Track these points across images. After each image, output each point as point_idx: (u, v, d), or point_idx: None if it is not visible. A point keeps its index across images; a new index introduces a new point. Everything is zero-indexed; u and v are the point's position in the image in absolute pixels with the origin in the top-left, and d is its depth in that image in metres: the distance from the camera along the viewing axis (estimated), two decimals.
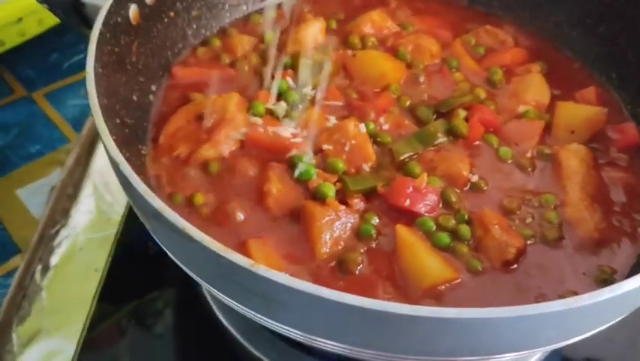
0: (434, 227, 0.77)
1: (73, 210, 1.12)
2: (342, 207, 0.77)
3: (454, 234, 0.77)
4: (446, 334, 0.55)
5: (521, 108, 0.93)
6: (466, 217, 0.78)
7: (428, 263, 0.73)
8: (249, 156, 0.84)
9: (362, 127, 0.85)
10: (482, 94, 0.94)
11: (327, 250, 0.74)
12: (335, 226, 0.76)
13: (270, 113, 0.88)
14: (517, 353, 0.61)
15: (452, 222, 0.78)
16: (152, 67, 0.92)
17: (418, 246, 0.74)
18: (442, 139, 0.88)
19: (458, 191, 0.82)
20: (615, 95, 0.98)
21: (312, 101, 0.91)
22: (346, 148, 0.83)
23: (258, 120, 0.86)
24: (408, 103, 0.93)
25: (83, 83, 0.72)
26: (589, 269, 0.76)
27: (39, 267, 1.04)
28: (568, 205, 0.82)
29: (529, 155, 0.88)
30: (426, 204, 0.79)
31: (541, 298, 0.72)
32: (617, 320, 0.64)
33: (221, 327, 0.89)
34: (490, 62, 1.01)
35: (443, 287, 0.72)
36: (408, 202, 0.78)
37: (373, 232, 0.76)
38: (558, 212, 0.81)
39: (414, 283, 0.72)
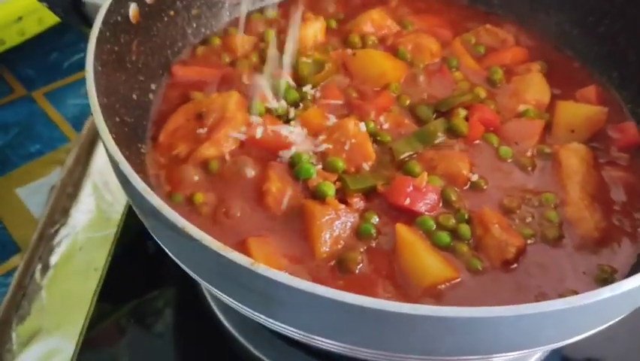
0: (434, 226, 0.77)
1: (73, 209, 1.12)
2: (342, 206, 0.77)
3: (454, 233, 0.77)
4: (446, 333, 0.55)
5: (521, 107, 0.93)
6: (466, 216, 0.78)
7: (428, 262, 0.73)
8: (249, 154, 0.84)
9: (362, 126, 0.85)
10: (482, 93, 0.94)
11: (327, 249, 0.74)
12: (335, 225, 0.76)
13: (270, 112, 0.88)
14: (518, 353, 0.61)
15: (452, 221, 0.78)
16: (151, 66, 0.92)
17: (417, 245, 0.74)
18: (442, 138, 0.87)
19: (458, 190, 0.82)
20: (616, 94, 0.98)
21: (313, 100, 0.91)
22: (346, 147, 0.83)
23: (258, 119, 0.86)
24: (408, 102, 0.92)
25: (83, 82, 0.72)
26: (589, 268, 0.76)
27: (39, 266, 1.04)
28: (568, 204, 0.81)
29: (529, 154, 0.88)
30: (426, 203, 0.79)
31: (541, 297, 0.72)
32: (617, 320, 0.64)
33: (220, 326, 0.89)
34: (490, 61, 1.01)
35: (443, 286, 0.72)
36: (408, 201, 0.78)
37: (373, 231, 0.76)
38: (558, 211, 0.81)
39: (414, 283, 0.72)
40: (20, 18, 1.99)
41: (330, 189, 0.78)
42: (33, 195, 1.84)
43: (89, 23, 0.80)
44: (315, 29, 1.01)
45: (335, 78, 0.95)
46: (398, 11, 1.10)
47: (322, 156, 0.83)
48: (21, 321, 0.97)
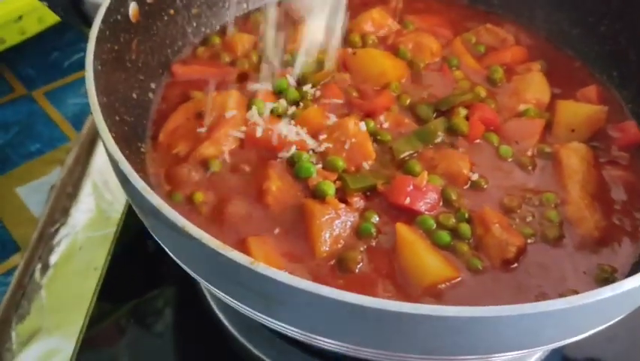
0: (434, 225, 0.77)
1: (73, 208, 1.12)
2: (342, 205, 0.77)
3: (455, 232, 0.77)
4: (446, 332, 0.55)
5: (522, 107, 0.93)
6: (467, 216, 0.78)
7: (428, 262, 0.73)
8: (249, 154, 0.83)
9: (362, 125, 0.85)
10: (482, 92, 0.94)
11: (327, 249, 0.74)
12: (335, 225, 0.75)
13: (270, 111, 0.88)
14: (518, 352, 0.61)
15: (452, 220, 0.77)
16: (151, 65, 0.92)
17: (418, 244, 0.74)
18: (442, 137, 0.87)
19: (458, 189, 0.82)
20: (616, 93, 0.98)
21: (313, 100, 0.91)
22: (346, 146, 0.83)
23: (258, 118, 0.86)
24: (408, 101, 0.92)
25: (83, 81, 0.72)
26: (589, 268, 0.76)
27: (38, 265, 1.04)
28: (568, 204, 0.81)
29: (529, 153, 0.87)
30: (426, 202, 0.78)
31: (541, 297, 0.72)
32: (617, 319, 0.64)
33: (220, 325, 0.89)
34: (490, 60, 1.01)
35: (443, 286, 0.72)
36: (408, 200, 0.78)
37: (373, 230, 0.76)
38: (559, 211, 0.81)
39: (414, 282, 0.72)
40: (20, 17, 1.99)
41: (330, 188, 0.78)
42: (33, 194, 1.84)
43: (88, 22, 0.80)
44: (315, 28, 1.01)
45: (335, 77, 0.95)
46: (398, 10, 1.10)
47: (322, 155, 0.83)
48: (21, 320, 0.97)
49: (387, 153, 0.85)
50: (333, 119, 0.87)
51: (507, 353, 0.60)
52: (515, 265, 0.75)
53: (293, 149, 0.82)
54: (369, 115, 0.89)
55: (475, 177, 0.83)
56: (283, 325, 0.62)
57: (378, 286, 0.72)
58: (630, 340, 0.90)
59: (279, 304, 0.59)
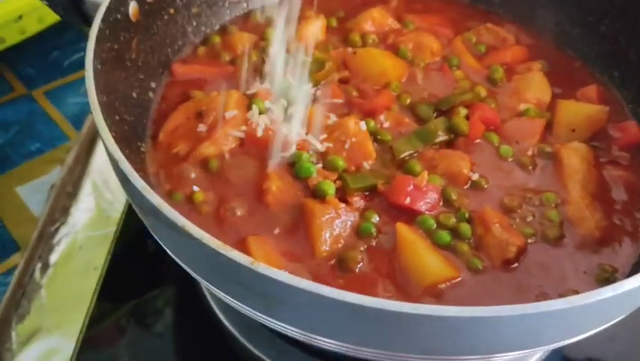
0: (434, 225, 0.77)
1: (73, 208, 1.11)
2: (342, 205, 0.77)
3: (455, 232, 0.77)
4: (446, 332, 0.55)
5: (522, 106, 0.93)
6: (467, 216, 0.78)
7: (428, 261, 0.73)
8: (249, 153, 0.83)
9: (362, 125, 0.85)
10: (483, 92, 0.94)
11: (327, 248, 0.74)
12: (335, 224, 0.75)
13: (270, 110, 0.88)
14: (519, 352, 0.61)
15: (453, 220, 0.77)
16: (151, 64, 0.92)
17: (418, 244, 0.74)
18: (442, 137, 0.87)
19: (459, 189, 0.81)
20: (617, 93, 0.98)
21: (313, 99, 0.91)
22: (346, 146, 0.83)
23: (258, 118, 0.86)
24: (408, 101, 0.92)
25: (83, 81, 0.72)
26: (590, 268, 0.76)
27: (38, 265, 1.04)
28: (569, 204, 0.81)
29: (530, 153, 0.87)
30: (426, 202, 0.78)
31: (542, 297, 0.72)
32: (618, 319, 0.64)
33: (220, 325, 0.89)
34: (490, 60, 1.01)
35: (443, 286, 0.72)
36: (408, 200, 0.78)
37: (373, 230, 0.76)
38: (559, 210, 0.81)
39: (414, 282, 0.72)
40: (20, 16, 1.99)
41: (330, 187, 0.78)
42: (33, 193, 1.84)
43: (88, 21, 0.80)
44: (315, 28, 1.01)
45: (335, 77, 0.95)
46: (398, 10, 1.10)
47: (322, 155, 0.83)
48: (21, 320, 0.97)
49: (388, 152, 0.85)
50: (333, 118, 0.87)
51: (508, 354, 0.60)
52: (516, 264, 0.75)
53: (293, 148, 0.82)
54: (369, 115, 0.88)
55: (475, 176, 0.83)
56: (283, 325, 0.62)
57: (379, 286, 0.72)
58: (631, 340, 0.90)
59: (279, 304, 0.59)
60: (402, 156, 0.85)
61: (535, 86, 0.95)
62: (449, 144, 0.87)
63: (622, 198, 0.84)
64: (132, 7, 0.86)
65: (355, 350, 0.61)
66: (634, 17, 0.96)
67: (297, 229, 0.76)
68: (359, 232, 0.76)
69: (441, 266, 0.73)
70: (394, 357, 0.60)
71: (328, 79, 0.94)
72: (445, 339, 0.56)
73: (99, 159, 1.19)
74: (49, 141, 2.01)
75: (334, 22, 1.06)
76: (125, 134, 0.80)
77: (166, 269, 0.94)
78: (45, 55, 2.27)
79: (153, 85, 0.92)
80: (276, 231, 0.76)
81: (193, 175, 0.81)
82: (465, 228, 0.77)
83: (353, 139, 0.83)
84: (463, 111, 0.90)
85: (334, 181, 0.79)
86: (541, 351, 0.86)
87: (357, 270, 0.73)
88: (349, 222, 0.76)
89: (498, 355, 0.60)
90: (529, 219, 0.80)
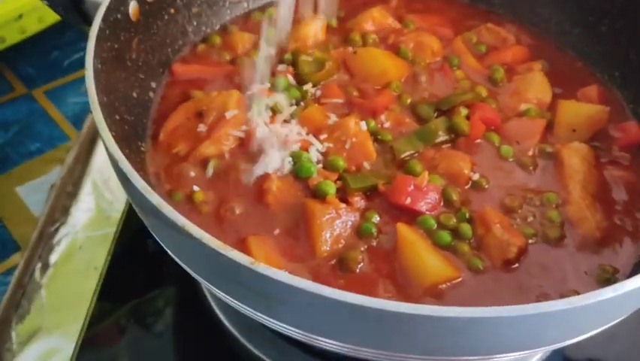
0: (435, 225, 0.77)
1: (73, 208, 1.11)
2: (343, 205, 0.77)
3: (455, 232, 0.77)
4: (447, 333, 0.55)
5: (523, 106, 0.93)
6: (467, 216, 0.78)
7: (429, 262, 0.73)
8: (249, 153, 0.83)
9: (363, 125, 0.85)
10: (483, 92, 0.94)
11: (328, 248, 0.74)
12: (335, 224, 0.75)
13: (270, 110, 0.88)
14: (519, 353, 0.61)
15: (453, 220, 0.77)
16: (152, 64, 0.92)
17: (418, 244, 0.74)
18: (443, 137, 0.87)
19: (459, 189, 0.81)
20: (617, 93, 0.98)
21: (313, 99, 0.91)
22: (347, 146, 0.83)
23: (258, 118, 0.85)
24: (409, 101, 0.92)
25: (83, 80, 0.72)
26: (590, 268, 0.76)
27: (38, 265, 1.03)
28: (569, 204, 0.81)
29: (530, 153, 0.87)
30: (427, 202, 0.78)
31: (542, 297, 0.72)
32: (619, 320, 0.64)
33: (220, 326, 0.89)
34: (491, 59, 1.01)
35: (444, 286, 0.72)
36: (409, 200, 0.78)
37: (374, 230, 0.76)
38: (560, 211, 0.81)
39: (414, 282, 0.72)
40: (21, 16, 1.99)
41: (330, 187, 0.78)
42: (33, 193, 1.84)
43: (89, 21, 0.80)
44: (315, 27, 1.01)
45: (336, 77, 0.95)
46: (399, 10, 1.10)
47: (323, 155, 0.83)
48: (21, 320, 0.97)
49: (388, 152, 0.85)
50: (333, 118, 0.87)
51: (508, 354, 0.60)
52: (516, 265, 0.75)
53: (294, 148, 0.82)
54: (369, 115, 0.88)
55: (476, 177, 0.83)
56: (283, 325, 0.62)
57: (379, 287, 0.72)
58: (631, 340, 0.90)
59: (280, 305, 0.58)
60: (402, 156, 0.84)
61: (536, 86, 0.95)
62: (450, 144, 0.87)
63: (622, 198, 0.84)
64: (132, 7, 0.86)
65: (356, 350, 0.61)
66: (634, 17, 0.96)
67: (297, 229, 0.76)
68: (359, 232, 0.76)
69: (441, 266, 0.72)
70: (395, 358, 0.60)
71: (329, 79, 0.94)
72: (445, 340, 0.56)
73: (99, 158, 1.19)
74: (49, 141, 2.01)
75: (334, 22, 1.06)
76: (125, 134, 0.79)
77: (166, 269, 0.94)
78: (45, 54, 2.27)
79: (153, 85, 0.92)
80: (277, 231, 0.76)
81: (193, 175, 0.81)
82: (465, 228, 0.77)
83: (353, 139, 0.83)
84: (463, 111, 0.90)
85: (335, 181, 0.79)
86: (541, 352, 0.86)
87: (357, 270, 0.73)
88: (350, 223, 0.76)
89: (499, 355, 0.60)
90: (530, 219, 0.79)
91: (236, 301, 0.64)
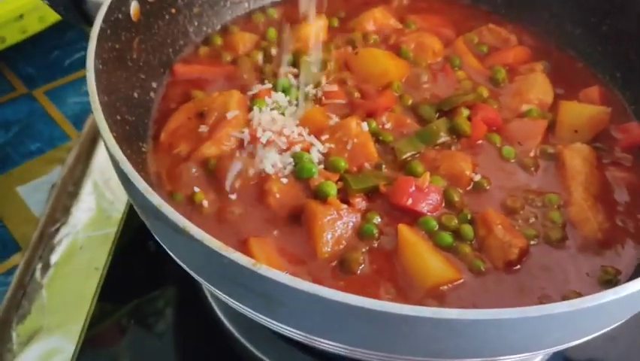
0: (436, 227, 0.77)
1: (74, 208, 1.11)
2: (344, 206, 0.77)
3: (457, 234, 0.76)
4: (448, 335, 0.55)
5: (524, 107, 0.93)
6: (469, 217, 0.78)
7: (430, 263, 0.72)
8: (250, 154, 0.83)
9: (364, 125, 0.85)
10: (485, 92, 0.94)
11: (329, 250, 0.74)
12: (337, 225, 0.75)
13: (270, 109, 0.88)
14: (521, 355, 0.61)
15: (455, 221, 0.77)
16: (153, 64, 0.92)
17: (420, 246, 0.74)
18: (444, 138, 0.87)
19: (461, 190, 0.81)
20: (619, 94, 0.97)
21: (314, 99, 0.90)
22: (348, 147, 0.83)
23: (259, 118, 0.85)
24: (410, 101, 0.92)
25: (84, 80, 0.72)
26: (592, 270, 0.75)
27: (39, 265, 1.03)
28: (571, 205, 0.81)
29: (532, 154, 0.87)
30: (428, 203, 0.78)
31: (544, 299, 0.72)
32: (622, 322, 0.63)
33: (221, 326, 0.89)
34: (493, 60, 1.01)
35: (445, 288, 0.72)
36: (410, 201, 0.77)
37: (375, 231, 0.76)
38: (561, 212, 0.80)
39: (416, 284, 0.71)
40: (21, 16, 1.98)
41: (332, 188, 0.77)
42: (34, 193, 1.83)
43: (90, 21, 0.80)
44: (317, 28, 1.01)
45: (337, 77, 0.94)
46: (400, 10, 1.09)
47: (324, 156, 0.83)
48: (21, 320, 0.97)
49: (390, 153, 0.85)
50: (335, 119, 0.87)
51: (510, 356, 0.60)
52: (518, 266, 0.75)
53: (296, 149, 0.82)
54: (371, 115, 0.88)
55: (477, 178, 0.82)
56: (284, 326, 0.62)
57: (380, 288, 0.71)
58: (632, 340, 0.90)
59: (281, 306, 0.58)
60: (404, 156, 0.84)
61: (538, 87, 0.95)
62: (451, 145, 0.87)
63: (624, 199, 0.84)
64: (133, 7, 0.85)
65: (356, 352, 0.60)
66: (636, 18, 0.96)
67: (298, 230, 0.76)
68: (361, 233, 0.76)
69: (443, 268, 0.72)
70: (396, 360, 0.60)
71: (330, 79, 0.94)
72: (446, 342, 0.56)
73: (100, 158, 1.19)
74: (49, 141, 2.00)
75: (336, 22, 1.06)
76: (126, 135, 0.79)
77: (167, 269, 0.94)
78: (46, 54, 2.26)
79: (154, 85, 0.92)
80: (278, 232, 0.76)
81: (194, 176, 0.81)
82: (467, 229, 0.76)
83: (355, 140, 0.83)
84: (465, 112, 0.89)
85: (336, 182, 0.79)
86: (543, 353, 0.85)
87: (358, 272, 0.73)
88: (351, 224, 0.76)
89: (500, 358, 0.60)
90: (532, 220, 0.79)
91: (237, 302, 0.63)
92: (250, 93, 0.90)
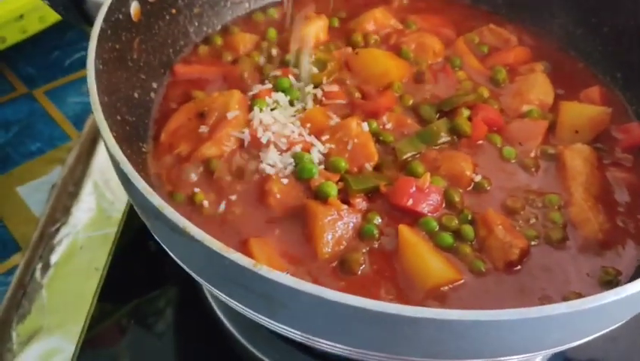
0: (437, 227, 0.76)
1: (74, 208, 1.11)
2: (345, 206, 0.76)
3: (457, 234, 0.76)
4: (449, 336, 0.55)
5: (525, 108, 0.92)
6: (470, 217, 0.78)
7: (431, 264, 0.72)
8: (250, 154, 0.83)
9: (364, 126, 0.85)
10: (485, 93, 0.94)
11: (329, 250, 0.74)
12: (337, 226, 0.75)
13: (271, 109, 0.87)
14: (521, 356, 0.61)
15: (455, 222, 0.77)
16: (153, 64, 0.91)
17: (420, 246, 0.73)
18: (445, 138, 0.87)
19: (461, 191, 0.81)
20: (620, 94, 0.97)
21: (314, 100, 0.90)
22: (349, 147, 0.83)
23: (260, 118, 0.85)
24: (411, 102, 0.92)
25: (84, 80, 0.72)
26: (593, 270, 0.75)
27: (39, 265, 1.03)
28: (572, 206, 0.81)
29: (533, 155, 0.87)
30: (429, 204, 0.78)
31: (545, 299, 0.72)
32: (622, 322, 0.63)
33: (221, 326, 0.89)
34: (493, 60, 1.01)
35: (446, 288, 0.72)
36: (411, 202, 0.77)
37: (376, 231, 0.76)
38: (562, 212, 0.80)
39: (416, 284, 0.71)
40: (22, 16, 1.99)
41: (332, 189, 0.77)
42: (34, 193, 1.84)
43: (90, 21, 0.80)
44: (317, 28, 1.01)
45: (337, 77, 0.94)
46: (401, 10, 1.09)
47: (325, 156, 0.83)
48: (21, 320, 0.97)
49: (390, 153, 0.85)
50: (335, 119, 0.87)
51: (510, 357, 0.60)
52: (519, 267, 0.75)
53: (297, 149, 0.82)
54: (371, 116, 0.88)
55: (478, 178, 0.82)
56: (285, 327, 0.62)
57: (381, 289, 0.71)
58: (632, 340, 0.89)
59: (281, 307, 0.58)
60: (404, 157, 0.84)
61: (538, 88, 0.95)
62: (452, 146, 0.87)
63: (625, 200, 0.83)
64: (134, 7, 0.85)
65: (357, 352, 0.60)
66: (636, 18, 0.96)
67: (298, 231, 0.76)
68: (361, 233, 0.76)
69: (443, 268, 0.72)
70: (397, 360, 0.60)
71: (330, 79, 0.94)
72: (447, 342, 0.56)
73: (100, 158, 1.19)
74: (49, 141, 2.00)
75: (336, 23, 1.05)
76: (126, 135, 0.79)
77: (167, 269, 0.94)
78: (46, 54, 2.26)
79: (155, 85, 0.92)
80: (278, 232, 0.76)
81: (194, 176, 0.81)
82: (467, 230, 0.76)
83: (355, 140, 0.83)
84: (465, 112, 0.89)
85: (336, 182, 0.79)
86: (543, 354, 0.85)
87: (359, 272, 0.73)
88: (351, 224, 0.76)
89: (501, 358, 0.60)
90: (532, 221, 0.79)
91: (237, 303, 0.63)
92: (250, 93, 0.90)
